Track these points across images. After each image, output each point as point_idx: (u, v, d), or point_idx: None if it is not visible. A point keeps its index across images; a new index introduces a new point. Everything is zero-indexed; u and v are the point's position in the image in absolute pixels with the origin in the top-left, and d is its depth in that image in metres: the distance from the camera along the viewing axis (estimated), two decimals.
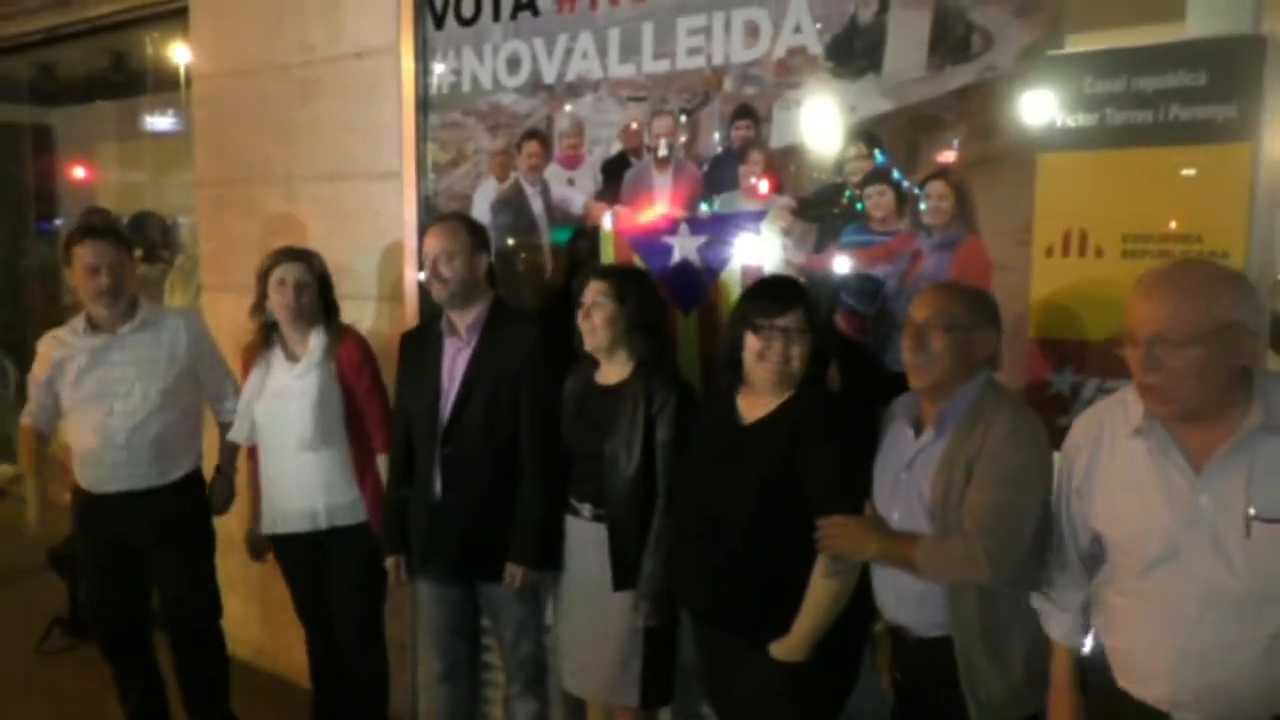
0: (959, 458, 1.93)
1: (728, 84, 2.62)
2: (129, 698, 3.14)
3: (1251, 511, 1.58)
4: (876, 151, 2.42)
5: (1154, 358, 1.60)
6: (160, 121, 6.89)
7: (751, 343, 2.18)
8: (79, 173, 6.84)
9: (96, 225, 3.25)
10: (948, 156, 2.32)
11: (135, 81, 6.23)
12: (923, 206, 2.35)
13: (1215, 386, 1.60)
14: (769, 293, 2.25)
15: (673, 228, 2.73)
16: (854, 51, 2.43)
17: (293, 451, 2.84)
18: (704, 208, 2.68)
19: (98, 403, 2.88)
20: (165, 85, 6.36)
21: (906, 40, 2.35)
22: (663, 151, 2.75)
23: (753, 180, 2.59)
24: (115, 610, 3.06)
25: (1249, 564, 1.58)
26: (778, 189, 2.56)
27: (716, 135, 2.66)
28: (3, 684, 3.74)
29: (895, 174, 2.40)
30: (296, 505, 2.89)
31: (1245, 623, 1.60)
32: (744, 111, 2.60)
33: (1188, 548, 1.63)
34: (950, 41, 2.29)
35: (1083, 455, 1.82)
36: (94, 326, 2.91)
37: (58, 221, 6.98)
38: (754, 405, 2.24)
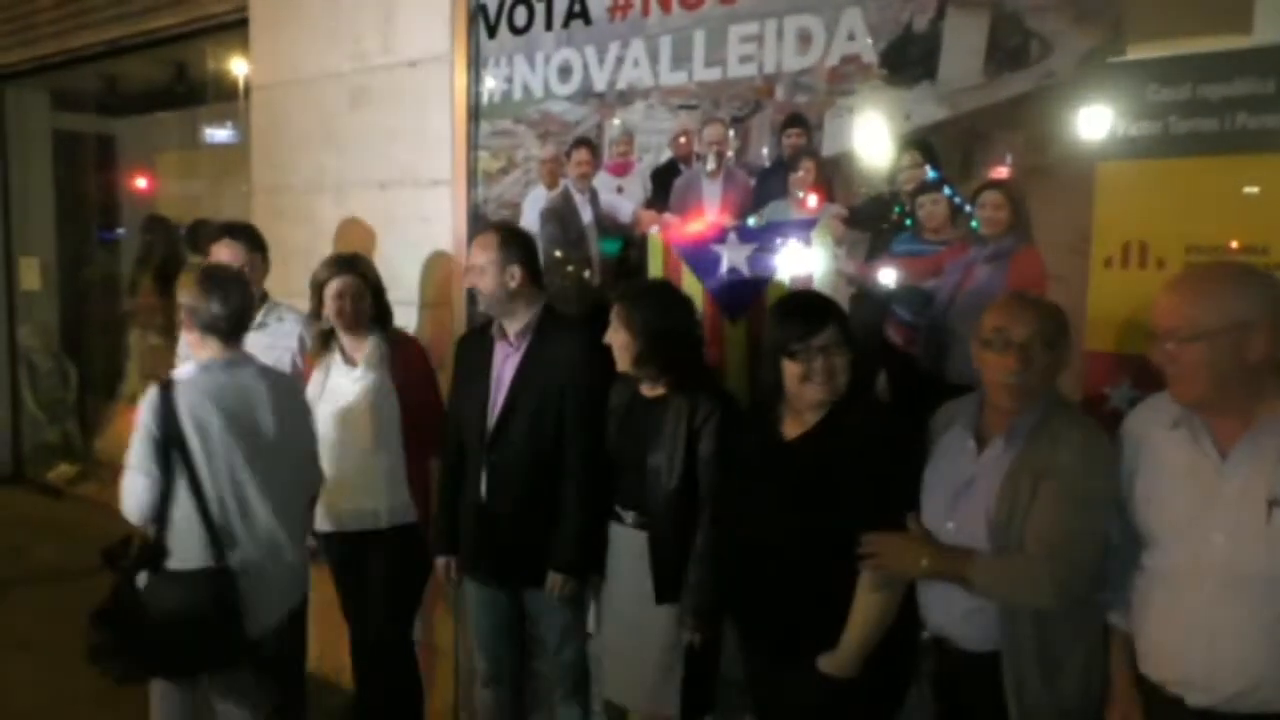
0: (1026, 472, 1.89)
1: (779, 92, 2.61)
2: None
3: (1274, 497, 1.64)
4: (930, 160, 2.39)
5: (1166, 351, 1.72)
6: (218, 132, 7.04)
7: (791, 368, 2.12)
8: (140, 182, 7.00)
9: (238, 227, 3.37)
10: (1003, 165, 2.29)
11: (195, 92, 6.38)
12: (976, 217, 2.31)
13: (1228, 380, 1.68)
14: (799, 313, 2.17)
15: (722, 236, 2.72)
16: (908, 59, 2.41)
17: (352, 453, 2.89)
18: (753, 216, 2.67)
19: None
20: (223, 96, 6.51)
21: (962, 47, 2.32)
22: (713, 160, 2.74)
23: (803, 189, 2.57)
24: None
25: (1269, 548, 1.64)
26: (829, 198, 2.54)
27: (767, 144, 2.64)
28: (60, 685, 3.81)
29: (949, 183, 2.37)
30: (355, 505, 2.93)
31: (1258, 606, 1.65)
32: (795, 120, 2.59)
33: (1209, 530, 1.69)
34: (1007, 48, 2.26)
35: (1131, 452, 1.85)
36: None
37: (119, 231, 7.15)
38: (796, 420, 2.21)
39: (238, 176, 6.67)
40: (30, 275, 6.53)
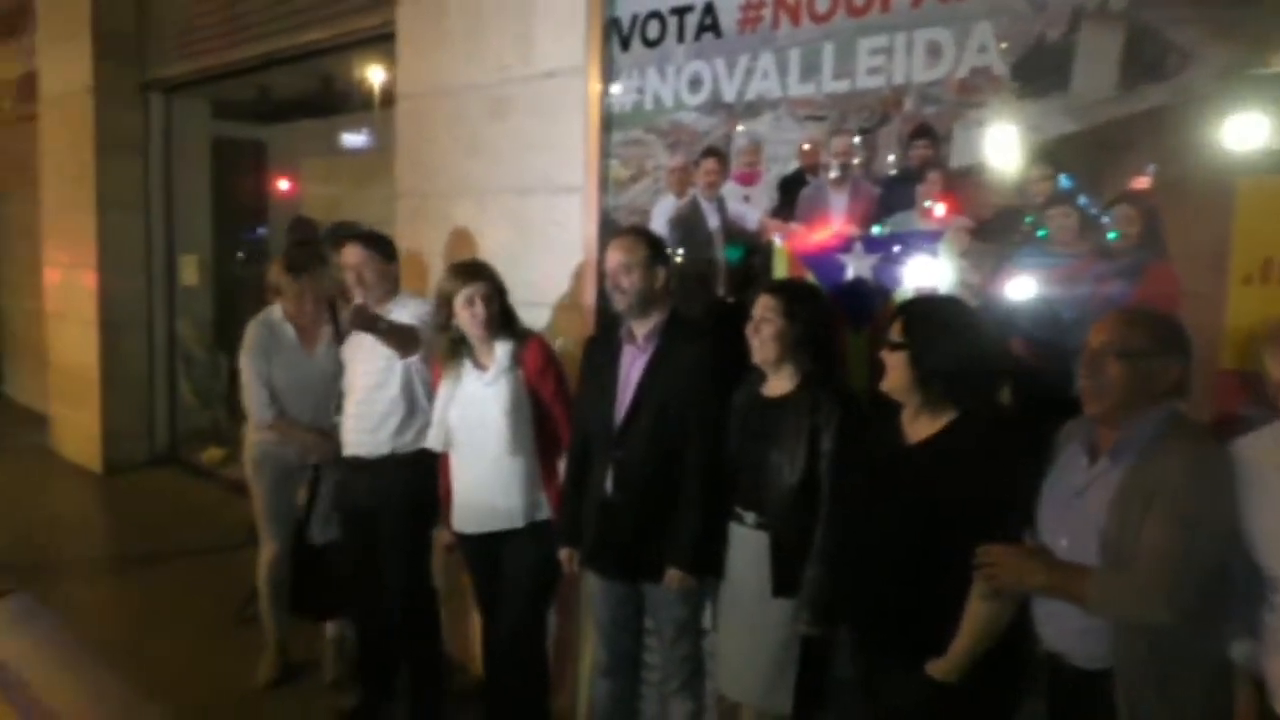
0: (1137, 490, 1.90)
1: (908, 104, 2.67)
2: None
3: None
4: (1061, 173, 2.40)
5: None
6: (356, 138, 7.45)
7: (880, 361, 2.29)
8: (284, 185, 7.47)
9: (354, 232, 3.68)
10: (1137, 179, 2.29)
11: (339, 101, 6.78)
12: (1109, 230, 2.31)
13: None
14: (891, 314, 2.35)
15: (847, 246, 2.79)
16: (1040, 71, 2.43)
17: (488, 455, 3.02)
18: (879, 227, 2.73)
19: None
20: (363, 105, 6.91)
21: (1097, 60, 2.34)
22: (839, 170, 2.81)
23: (930, 201, 2.62)
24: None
25: None
26: (956, 210, 2.58)
27: (894, 155, 2.70)
28: (210, 648, 4.15)
29: (1080, 196, 2.37)
30: (492, 505, 3.07)
31: None
32: (923, 131, 2.64)
33: None
34: (1143, 61, 2.27)
35: (1245, 481, 1.83)
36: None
37: (261, 230, 7.64)
38: (917, 426, 2.27)
39: (376, 181, 7.08)
40: (189, 272, 7.08)
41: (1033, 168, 2.45)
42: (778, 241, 2.94)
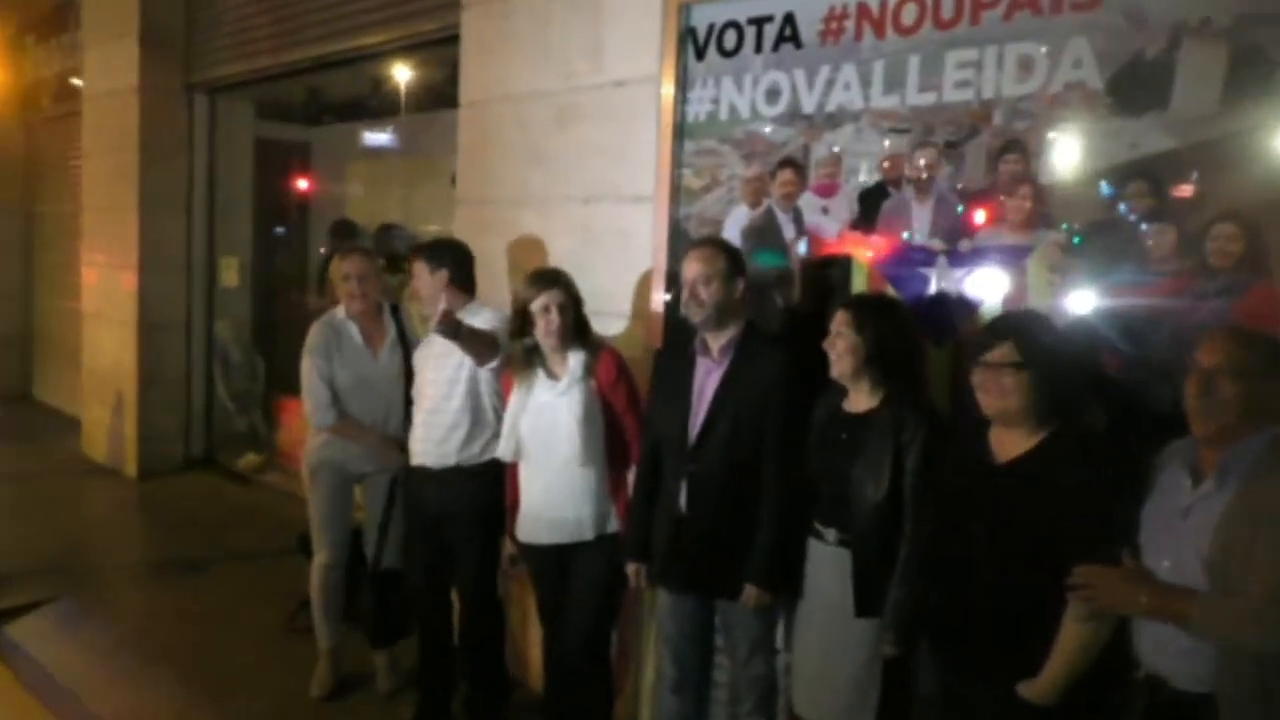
0: (1245, 513, 1.91)
1: (997, 117, 2.70)
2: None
3: None
4: (1158, 190, 2.43)
5: None
6: (402, 141, 7.54)
7: (973, 379, 2.29)
8: (330, 188, 7.58)
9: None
10: (1239, 197, 2.31)
11: (387, 104, 6.87)
12: (1208, 249, 2.34)
13: None
14: (985, 330, 2.36)
15: (930, 260, 2.82)
16: (1138, 87, 2.45)
17: (559, 466, 3.07)
18: (965, 241, 2.76)
19: None
20: (413, 108, 6.99)
21: (1198, 77, 2.36)
22: (924, 184, 2.85)
23: (1019, 215, 2.65)
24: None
25: None
26: (1046, 225, 2.61)
27: (981, 169, 2.73)
28: (260, 657, 4.21)
29: (1176, 214, 2.40)
30: (561, 516, 3.11)
31: None
32: (1013, 145, 2.67)
33: None
34: (1247, 79, 2.29)
35: None
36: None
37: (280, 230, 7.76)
38: (1007, 443, 2.29)
39: (425, 185, 7.18)
40: (230, 273, 7.17)
41: (1129, 183, 2.47)
42: (857, 254, 2.98)
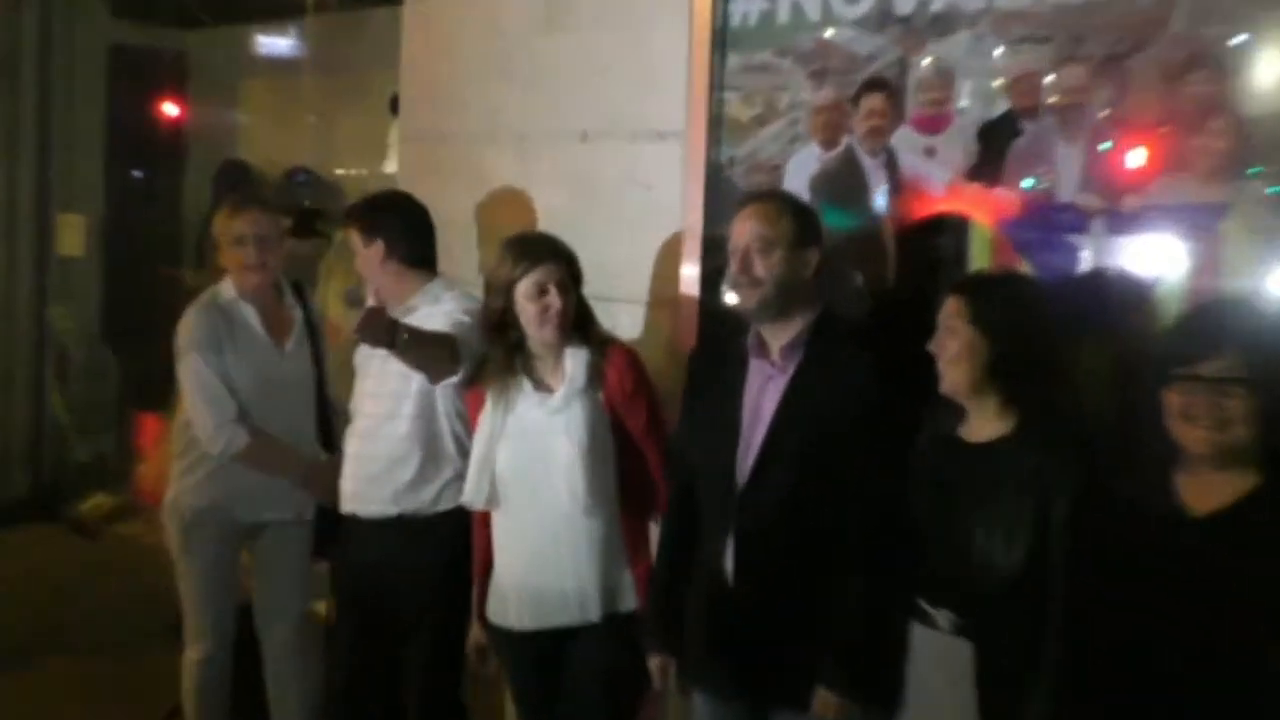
0: None
1: (1176, 21, 2.69)
2: None
3: None
4: None
5: None
6: (324, 53, 7.52)
7: (1172, 401, 2.23)
8: (211, 116, 7.56)
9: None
10: None
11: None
12: None
13: None
14: (1187, 330, 2.32)
15: (1082, 222, 2.82)
16: None
17: (552, 514, 3.02)
18: (1130, 196, 2.75)
19: None
20: (339, 3, 6.97)
21: None
22: (1070, 116, 2.84)
23: (1211, 159, 2.64)
24: None
25: None
26: (1248, 171, 2.61)
27: (1156, 94, 2.73)
28: None
29: None
30: (556, 589, 3.06)
31: None
32: (1200, 61, 2.66)
33: None
34: None
35: None
36: None
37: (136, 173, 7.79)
38: (1204, 491, 2.27)
39: (350, 113, 7.15)
40: (71, 237, 7.14)
41: None
42: (977, 214, 2.98)
